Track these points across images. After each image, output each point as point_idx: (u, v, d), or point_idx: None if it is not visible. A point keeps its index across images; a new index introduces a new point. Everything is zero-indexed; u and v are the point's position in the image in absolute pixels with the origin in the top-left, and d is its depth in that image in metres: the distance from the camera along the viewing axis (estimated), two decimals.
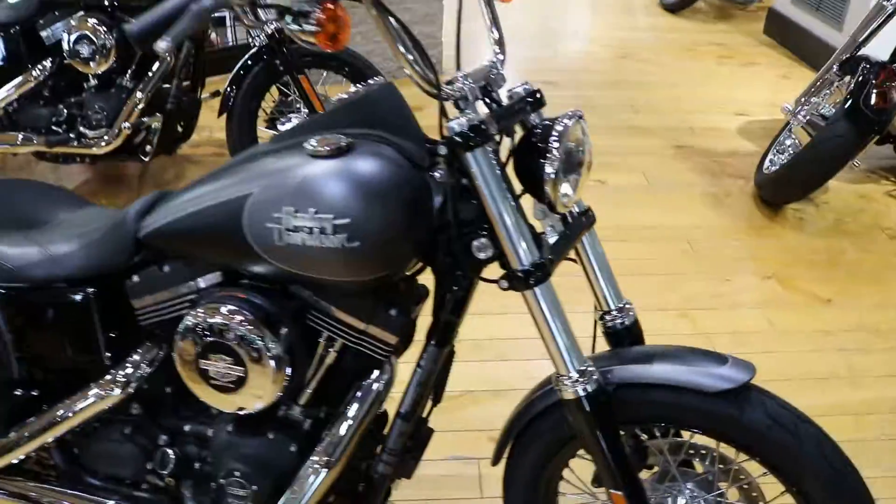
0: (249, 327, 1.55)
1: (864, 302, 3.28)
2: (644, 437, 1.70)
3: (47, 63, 3.51)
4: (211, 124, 4.19)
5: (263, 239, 1.48)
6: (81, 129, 3.48)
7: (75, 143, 3.51)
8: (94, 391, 1.78)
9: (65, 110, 3.53)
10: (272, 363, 1.56)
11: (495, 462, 1.77)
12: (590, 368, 1.50)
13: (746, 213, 3.97)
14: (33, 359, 1.87)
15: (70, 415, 1.81)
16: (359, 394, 1.64)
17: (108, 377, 1.77)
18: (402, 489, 2.03)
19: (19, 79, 3.53)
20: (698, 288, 3.33)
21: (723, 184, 4.24)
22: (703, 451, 1.67)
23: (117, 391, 1.75)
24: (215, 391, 1.64)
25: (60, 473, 1.91)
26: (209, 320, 1.58)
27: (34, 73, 3.49)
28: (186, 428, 1.79)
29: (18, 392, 1.91)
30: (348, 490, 1.77)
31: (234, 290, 1.59)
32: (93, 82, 3.50)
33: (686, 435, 1.65)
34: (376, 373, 1.64)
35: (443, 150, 1.44)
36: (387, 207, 1.43)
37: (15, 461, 1.88)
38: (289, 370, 1.59)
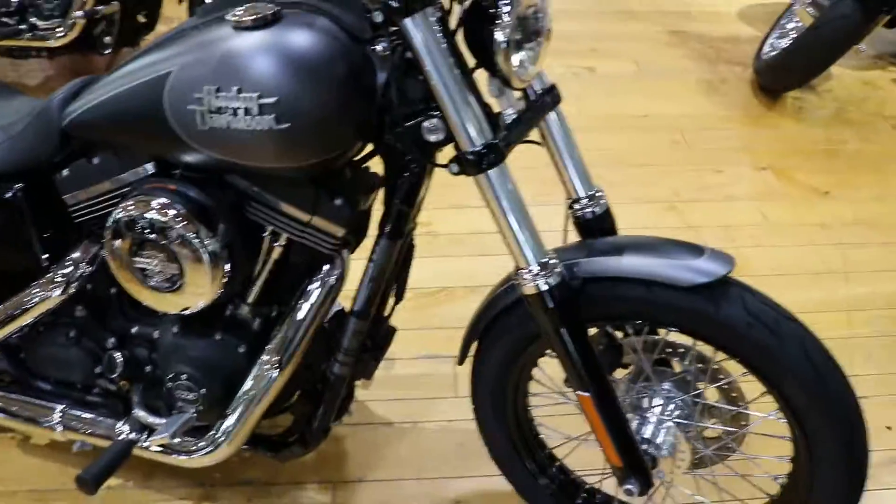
0: (182, 222, 1.42)
1: (863, 194, 3.13)
2: (618, 334, 1.58)
3: None
4: (179, 14, 3.96)
5: (186, 123, 1.33)
6: (33, 20, 3.27)
7: (28, 36, 3.30)
8: (33, 292, 1.68)
9: (13, 0, 3.31)
10: (208, 259, 1.43)
11: (461, 362, 1.67)
12: (552, 261, 1.37)
13: (743, 101, 3.78)
14: None
15: (11, 318, 1.70)
16: (309, 290, 1.53)
17: (46, 277, 1.66)
18: (373, 388, 1.94)
19: None
20: (688, 179, 3.18)
21: (718, 70, 4.03)
22: (681, 350, 1.55)
23: (57, 292, 1.64)
24: (153, 291, 1.51)
25: (9, 378, 1.81)
26: (139, 215, 1.45)
27: None
28: (133, 330, 1.69)
29: None
30: (307, 393, 1.67)
31: (165, 181, 1.45)
32: None
33: (662, 333, 1.53)
34: (326, 268, 1.52)
35: (378, 18, 1.26)
36: (320, 84, 1.27)
37: None
38: (228, 267, 1.46)
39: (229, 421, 1.59)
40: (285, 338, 1.53)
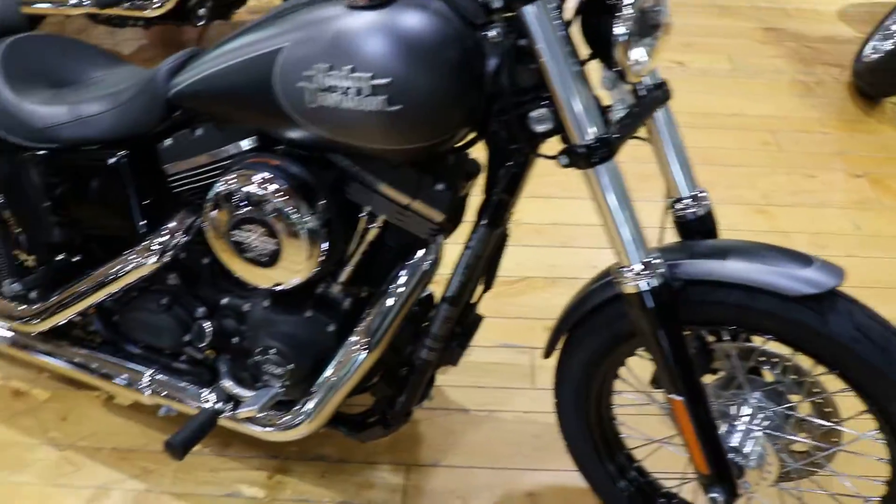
0: (283, 197, 1.42)
1: None
2: (711, 338, 1.54)
3: None
4: None
5: (295, 100, 1.33)
6: None
7: (126, 5, 3.36)
8: (129, 258, 1.71)
9: None
10: (307, 236, 1.43)
11: (547, 355, 1.65)
12: (655, 261, 1.34)
13: (839, 104, 3.66)
14: (71, 223, 1.80)
15: (107, 282, 1.74)
16: (402, 274, 1.52)
17: (143, 245, 1.69)
18: (451, 374, 1.94)
19: None
20: (779, 183, 3.09)
21: (815, 72, 3.91)
22: (775, 360, 1.50)
23: (152, 260, 1.67)
24: (248, 264, 1.53)
25: (102, 340, 1.86)
26: (241, 188, 1.46)
27: None
28: (224, 301, 1.71)
29: (59, 257, 1.85)
30: (391, 375, 1.67)
31: (268, 155, 1.46)
32: None
33: (758, 340, 1.49)
34: (421, 252, 1.51)
35: (497, 3, 1.24)
36: (433, 67, 1.26)
37: (60, 323, 1.83)
38: (325, 245, 1.47)
39: (314, 398, 1.60)
40: (375, 320, 1.53)
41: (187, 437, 1.58)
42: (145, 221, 1.68)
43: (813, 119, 3.53)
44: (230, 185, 1.47)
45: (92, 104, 1.64)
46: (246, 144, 1.51)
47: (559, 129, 1.30)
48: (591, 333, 1.57)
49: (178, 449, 1.56)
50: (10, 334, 1.92)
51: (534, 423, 2.06)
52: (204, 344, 1.73)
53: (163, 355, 1.81)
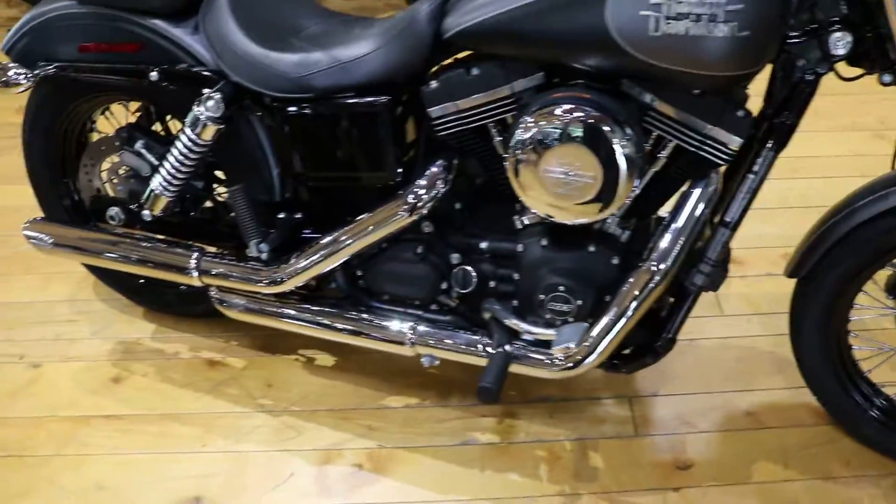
0: (604, 128, 1.42)
1: None
2: None
3: None
4: None
5: (633, 29, 1.33)
6: None
7: None
8: (389, 210, 1.68)
9: None
10: (626, 166, 1.43)
11: (795, 274, 1.69)
12: None
13: None
14: (301, 178, 1.77)
15: (363, 236, 1.71)
16: (690, 202, 1.54)
17: (403, 194, 1.66)
18: None
19: None
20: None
21: None
22: None
23: (412, 211, 1.65)
24: (559, 202, 1.51)
25: (342, 295, 1.83)
26: (555, 124, 1.44)
27: None
28: (482, 245, 1.70)
29: (282, 215, 1.80)
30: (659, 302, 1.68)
31: (575, 89, 1.45)
32: None
33: None
34: (705, 179, 1.54)
35: None
36: None
37: (303, 283, 1.79)
38: (639, 173, 1.47)
39: (600, 332, 1.61)
40: (666, 247, 1.55)
41: (495, 379, 1.58)
42: (401, 170, 1.66)
43: None
44: (541, 122, 1.45)
45: (349, 48, 1.59)
46: (531, 81, 1.50)
47: (857, 52, 1.35)
48: (854, 249, 1.62)
49: (494, 392, 1.56)
50: (241, 301, 1.87)
51: (733, 347, 2.12)
52: (468, 289, 1.72)
53: (411, 306, 1.79)
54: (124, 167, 1.98)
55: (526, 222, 1.66)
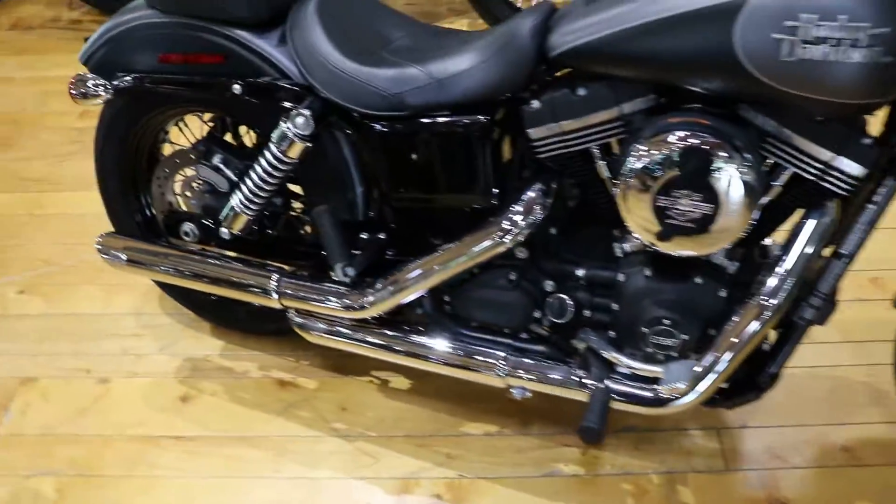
0: (723, 156, 1.34)
1: None
2: None
3: None
4: None
5: (763, 53, 1.24)
6: None
7: None
8: (479, 238, 1.60)
9: None
10: (745, 196, 1.36)
11: None
12: None
13: None
14: (387, 198, 1.70)
15: (452, 264, 1.64)
16: (805, 234, 1.45)
17: (495, 222, 1.58)
18: None
19: None
20: None
21: None
22: None
23: (507, 239, 1.57)
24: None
25: (428, 321, 1.76)
26: (668, 152, 1.36)
27: None
28: (578, 272, 1.63)
29: (364, 236, 1.74)
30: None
31: (693, 114, 1.38)
32: None
33: None
34: (820, 211, 1.45)
35: None
36: None
37: (391, 308, 1.73)
38: (759, 202, 1.40)
39: (706, 368, 1.53)
40: (776, 282, 1.46)
41: (599, 418, 1.51)
42: (497, 192, 1.59)
43: None
44: (656, 150, 1.37)
45: (445, 63, 1.52)
46: (640, 104, 1.42)
47: None
48: None
49: (599, 432, 1.49)
50: (322, 325, 1.81)
51: (824, 378, 2.02)
52: (563, 319, 1.65)
53: (500, 334, 1.72)
54: (200, 181, 1.93)
55: (627, 250, 1.59)
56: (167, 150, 2.05)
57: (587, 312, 1.64)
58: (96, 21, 3.83)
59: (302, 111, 1.62)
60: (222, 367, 2.13)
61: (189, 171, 1.96)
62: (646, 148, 1.38)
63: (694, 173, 1.36)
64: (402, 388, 2.03)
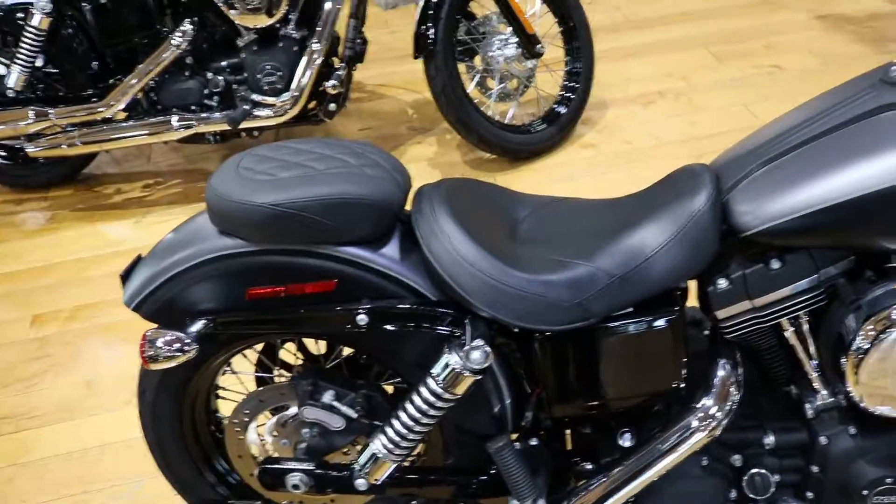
0: None
1: None
2: None
3: (187, 26, 2.76)
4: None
5: None
6: (255, 97, 2.80)
7: (263, 115, 2.83)
8: (674, 438, 1.41)
9: (220, 79, 2.82)
10: None
11: None
12: None
13: None
14: (547, 408, 1.47)
15: (649, 468, 1.43)
16: None
17: (687, 417, 1.41)
18: None
19: (157, 53, 2.78)
20: None
21: (890, 48, 3.83)
22: None
23: (714, 425, 1.40)
24: None
25: None
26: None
27: (174, 40, 2.75)
28: (766, 440, 1.47)
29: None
30: None
31: None
32: (248, 39, 2.79)
33: None
34: None
35: None
36: None
37: None
38: None
39: None
40: None
41: None
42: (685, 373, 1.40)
43: None
44: (886, 331, 1.27)
45: (613, 255, 1.32)
46: (839, 268, 1.34)
47: None
48: None
49: None
50: None
51: None
52: (765, 496, 1.48)
53: None
54: (299, 422, 1.54)
55: (819, 408, 1.44)
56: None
57: (776, 477, 1.49)
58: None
59: (477, 344, 1.32)
60: None
61: (268, 414, 1.59)
62: (873, 330, 1.28)
63: None
64: None
